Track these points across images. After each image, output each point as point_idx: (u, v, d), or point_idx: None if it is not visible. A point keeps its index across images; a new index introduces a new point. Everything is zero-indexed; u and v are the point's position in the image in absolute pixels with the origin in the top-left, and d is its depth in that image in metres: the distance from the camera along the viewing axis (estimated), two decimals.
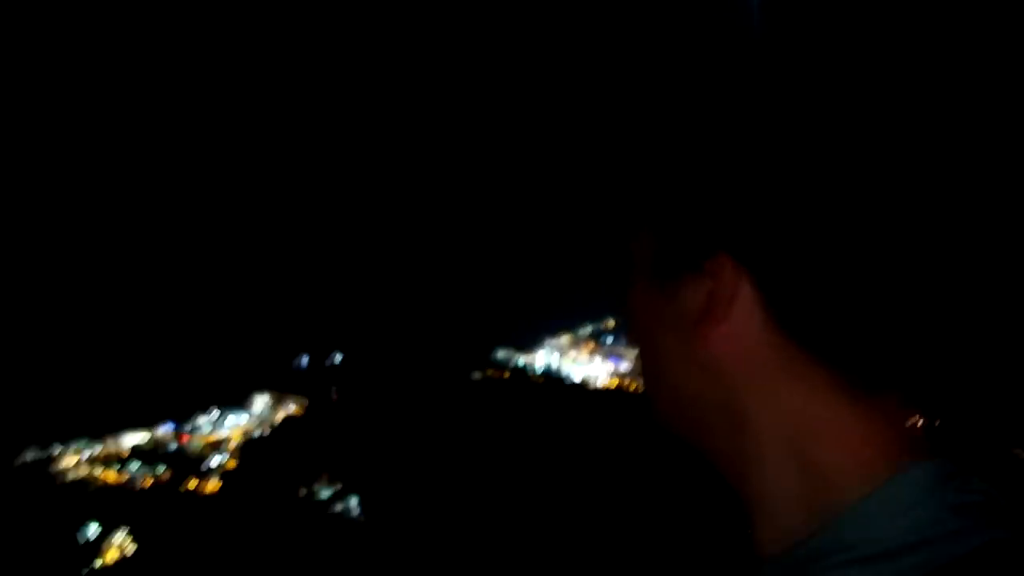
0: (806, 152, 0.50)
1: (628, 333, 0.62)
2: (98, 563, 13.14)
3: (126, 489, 15.09)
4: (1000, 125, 0.51)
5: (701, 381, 0.56)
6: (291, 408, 18.05)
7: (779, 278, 0.50)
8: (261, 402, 17.80)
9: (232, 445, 16.69)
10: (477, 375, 18.09)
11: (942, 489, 0.48)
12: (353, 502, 15.32)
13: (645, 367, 0.61)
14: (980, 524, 0.46)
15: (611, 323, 17.49)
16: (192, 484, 15.39)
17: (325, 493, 15.53)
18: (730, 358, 0.53)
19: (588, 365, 19.70)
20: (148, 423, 15.72)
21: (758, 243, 0.50)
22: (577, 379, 19.26)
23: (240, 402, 17.33)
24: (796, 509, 0.52)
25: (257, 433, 17.23)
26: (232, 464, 16.16)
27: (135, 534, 13.84)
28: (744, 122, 0.53)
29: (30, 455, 14.77)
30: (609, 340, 18.26)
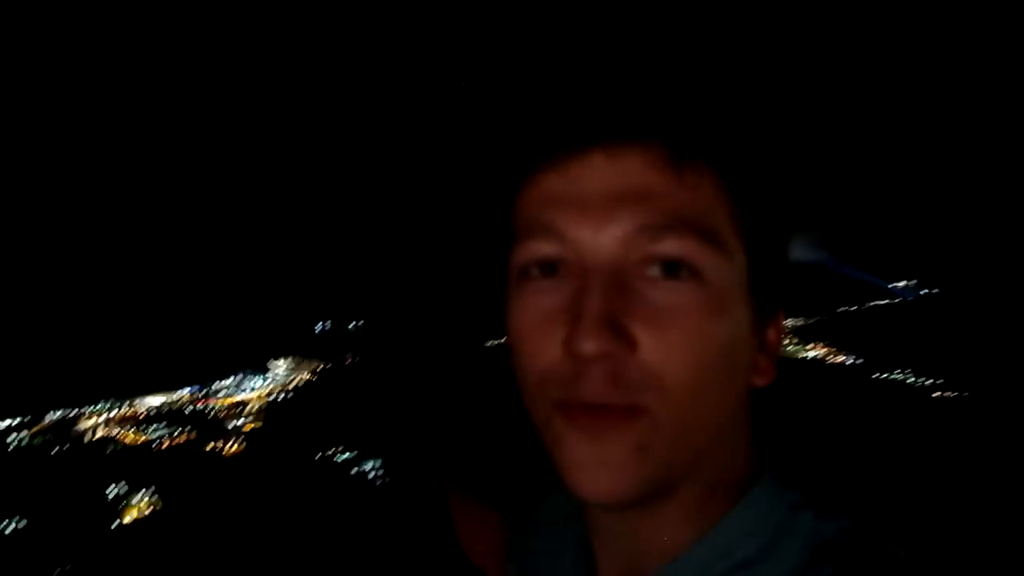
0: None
1: (680, 355, 0.51)
2: (119, 523, 13.43)
3: (148, 450, 15.38)
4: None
5: (737, 417, 0.55)
6: (309, 373, 18.26)
7: None
8: (280, 366, 18.03)
9: (252, 408, 16.95)
10: (492, 343, 18.11)
11: (786, 491, 0.54)
12: (369, 465, 15.48)
13: (693, 402, 0.51)
14: (821, 516, 0.52)
15: None
16: (211, 446, 15.65)
17: (343, 456, 15.71)
18: (745, 399, 0.55)
19: None
20: (169, 386, 15.99)
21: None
22: None
23: (260, 366, 17.59)
24: (687, 530, 0.55)
25: (276, 397, 17.49)
26: (252, 427, 16.41)
27: (157, 495, 14.13)
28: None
29: (54, 415, 15.10)
30: None
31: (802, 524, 0.51)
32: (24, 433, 15.12)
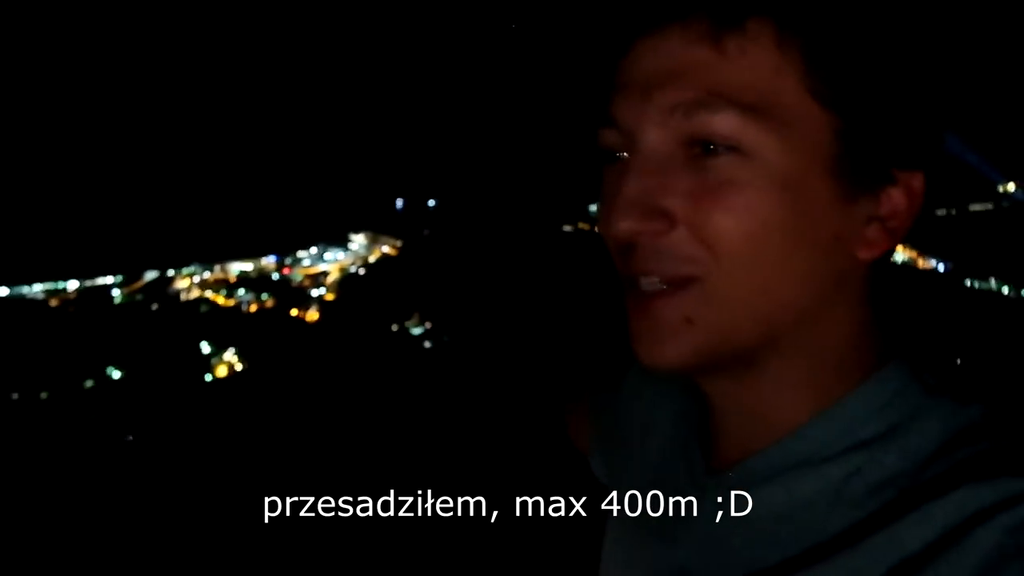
0: None
1: (718, 230, 0.50)
2: (209, 377, 14.40)
3: (236, 312, 16.26)
4: None
5: (822, 294, 0.52)
6: (386, 248, 18.76)
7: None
8: (358, 241, 18.55)
9: (331, 279, 17.62)
10: (567, 227, 18.06)
11: (921, 375, 0.52)
12: (444, 339, 16.02)
13: (745, 276, 0.50)
14: (960, 400, 0.50)
15: None
16: (294, 312, 16.42)
17: (416, 330, 16.28)
18: (858, 274, 0.52)
19: None
20: (253, 253, 16.71)
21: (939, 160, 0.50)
22: None
23: (339, 240, 18.13)
24: (798, 411, 0.54)
25: (354, 269, 18.10)
26: (331, 297, 17.11)
27: (243, 353, 15.03)
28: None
29: (149, 275, 16.06)
30: None
31: (939, 406, 0.50)
32: (124, 290, 16.16)
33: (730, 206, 0.48)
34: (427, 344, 15.96)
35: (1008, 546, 0.42)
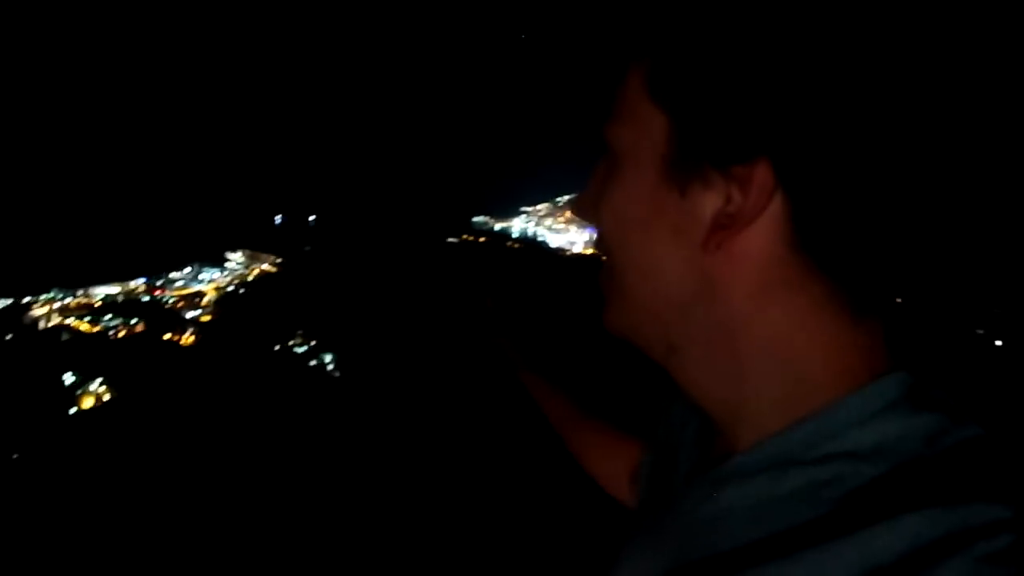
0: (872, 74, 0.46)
1: (603, 225, 0.57)
2: (74, 410, 13.43)
3: (103, 339, 15.26)
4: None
5: (693, 287, 0.54)
6: (265, 266, 18.17)
7: (816, 196, 0.48)
8: (235, 259, 17.87)
9: (207, 300, 16.86)
10: (453, 239, 18.07)
11: (912, 394, 0.51)
12: (328, 358, 15.63)
13: (622, 266, 0.57)
14: (948, 424, 0.49)
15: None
16: (168, 336, 15.59)
17: (300, 349, 15.80)
18: (738, 269, 0.52)
19: (565, 233, 20.14)
20: (120, 276, 15.75)
21: (807, 157, 0.47)
22: (553, 245, 19.71)
23: (215, 259, 17.39)
24: (777, 413, 0.53)
25: (232, 289, 17.40)
26: (207, 318, 16.36)
27: (112, 383, 14.11)
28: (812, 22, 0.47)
29: (1, 303, 14.83)
30: None
31: (934, 422, 0.49)
32: None
33: (599, 192, 0.58)
34: (312, 363, 15.52)
35: None
